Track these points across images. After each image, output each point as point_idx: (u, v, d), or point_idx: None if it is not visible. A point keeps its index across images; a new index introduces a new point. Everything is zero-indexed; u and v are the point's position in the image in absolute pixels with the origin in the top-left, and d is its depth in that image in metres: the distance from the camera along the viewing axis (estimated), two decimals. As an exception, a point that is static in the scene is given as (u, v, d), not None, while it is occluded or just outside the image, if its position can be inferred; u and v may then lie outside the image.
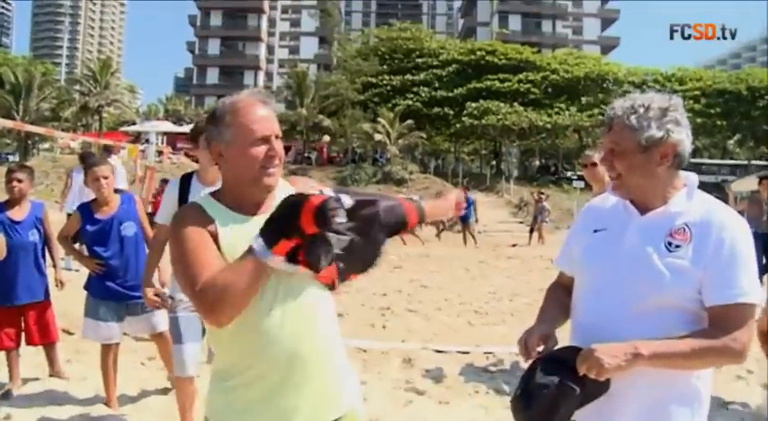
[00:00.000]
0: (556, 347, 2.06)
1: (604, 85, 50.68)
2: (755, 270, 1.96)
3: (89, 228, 4.70)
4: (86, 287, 4.79)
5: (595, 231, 2.16)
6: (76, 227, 4.83)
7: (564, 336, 2.15)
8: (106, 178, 4.67)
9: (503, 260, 15.97)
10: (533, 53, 52.69)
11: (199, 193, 3.79)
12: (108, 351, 4.69)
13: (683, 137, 2.03)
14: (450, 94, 48.71)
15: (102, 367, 4.69)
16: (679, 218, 2.01)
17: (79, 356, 5.81)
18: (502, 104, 46.53)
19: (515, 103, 47.07)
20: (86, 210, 4.76)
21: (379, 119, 43.59)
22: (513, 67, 50.10)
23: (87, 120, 56.82)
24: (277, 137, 1.97)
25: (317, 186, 2.02)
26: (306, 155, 47.59)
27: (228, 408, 1.94)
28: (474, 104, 46.76)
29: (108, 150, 12.29)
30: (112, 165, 5.04)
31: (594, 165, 5.19)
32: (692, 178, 2.09)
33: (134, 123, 53.70)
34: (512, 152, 47.07)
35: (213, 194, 2.03)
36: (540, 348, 2.05)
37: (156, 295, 3.96)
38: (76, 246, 5.47)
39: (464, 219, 20.97)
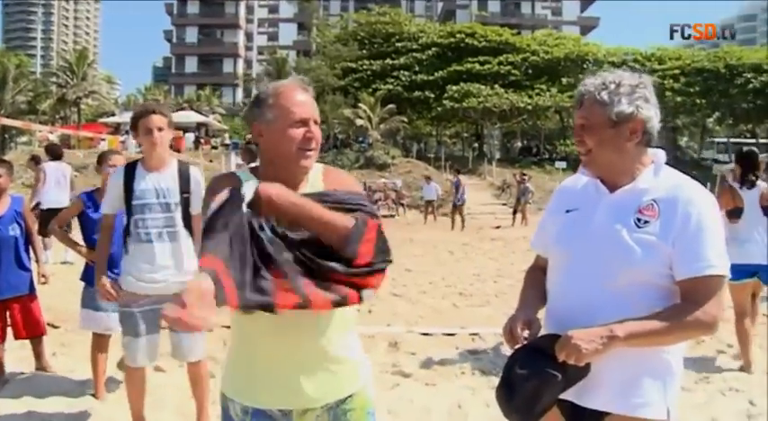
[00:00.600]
0: (538, 334, 2.08)
1: (584, 66, 50.66)
2: (722, 242, 2.00)
3: (93, 215, 4.71)
4: (83, 278, 4.78)
5: (568, 211, 2.19)
6: (75, 214, 4.85)
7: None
8: (113, 166, 4.63)
9: (486, 242, 16.07)
10: (513, 35, 52.63)
11: (144, 180, 3.79)
12: (100, 342, 4.70)
13: (651, 114, 2.06)
14: (431, 78, 48.58)
15: (93, 358, 4.69)
16: (647, 194, 2.04)
17: (65, 349, 5.80)
18: (482, 87, 46.49)
19: (496, 85, 47.05)
20: (91, 198, 4.79)
21: (360, 104, 43.44)
22: (492, 49, 50.03)
23: (65, 112, 56.23)
24: (315, 122, 2.08)
25: (351, 180, 2.16)
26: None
27: (238, 382, 2.07)
28: (455, 87, 46.68)
29: (54, 154, 11.32)
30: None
31: None
32: (660, 154, 2.13)
33: (113, 114, 53.09)
34: (493, 134, 47.18)
35: (252, 170, 2.14)
36: (526, 334, 2.08)
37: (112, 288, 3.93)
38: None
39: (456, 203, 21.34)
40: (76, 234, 5.04)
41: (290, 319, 1.89)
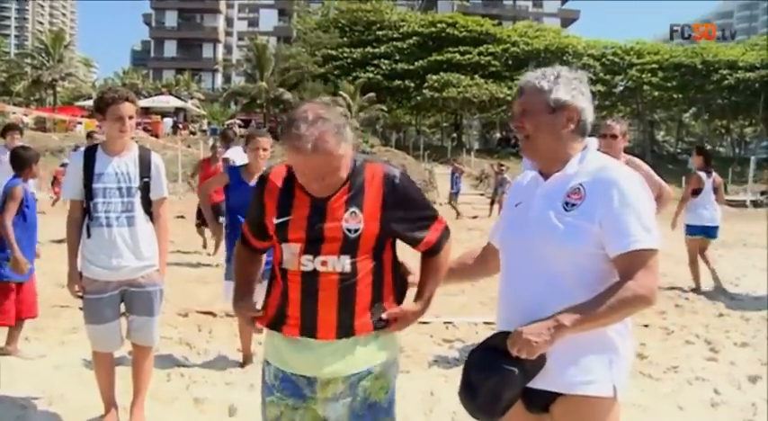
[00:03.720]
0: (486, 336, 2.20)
1: (564, 58, 50.87)
2: (649, 217, 2.08)
3: (242, 191, 4.94)
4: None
5: (516, 205, 2.33)
6: (222, 184, 5.28)
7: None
8: (265, 150, 5.05)
9: (464, 232, 16.11)
10: (494, 26, 52.76)
11: (105, 165, 3.76)
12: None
13: (586, 105, 2.20)
14: (411, 67, 48.56)
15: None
16: (574, 179, 2.16)
17: (37, 334, 5.76)
18: (462, 77, 46.59)
19: (476, 76, 47.19)
20: (237, 174, 5.16)
21: (340, 92, 43.34)
22: (473, 39, 50.10)
23: (41, 94, 55.30)
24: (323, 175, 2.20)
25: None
26: (266, 128, 47.05)
27: (272, 350, 2.39)
28: (435, 77, 46.72)
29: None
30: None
31: (615, 137, 5.16)
32: (591, 142, 2.25)
33: (90, 98, 52.34)
34: (472, 124, 47.30)
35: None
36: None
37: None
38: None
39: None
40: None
41: (309, 301, 2.26)
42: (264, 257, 2.62)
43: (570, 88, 2.17)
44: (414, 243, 2.41)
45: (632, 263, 2.03)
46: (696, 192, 8.52)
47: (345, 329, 2.26)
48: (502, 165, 24.93)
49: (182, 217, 13.49)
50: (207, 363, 5.26)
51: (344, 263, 2.23)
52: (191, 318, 6.57)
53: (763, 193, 33.85)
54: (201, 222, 10.22)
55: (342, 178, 2.21)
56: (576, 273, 2.10)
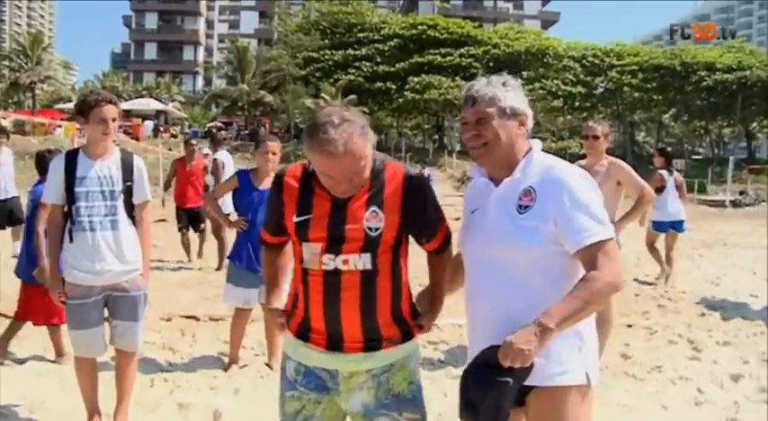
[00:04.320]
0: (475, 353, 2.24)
1: (545, 60, 51.32)
2: (598, 210, 2.19)
3: (251, 195, 5.12)
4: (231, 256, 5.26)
5: (472, 213, 2.41)
6: (231, 188, 5.27)
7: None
8: (275, 154, 5.08)
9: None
10: (475, 28, 52.99)
11: (87, 168, 3.72)
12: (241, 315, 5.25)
13: (530, 111, 2.32)
14: (393, 69, 48.63)
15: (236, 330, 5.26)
16: (524, 182, 2.25)
17: (19, 340, 5.68)
18: (444, 79, 46.72)
19: (457, 78, 47.32)
20: (247, 177, 5.19)
21: (322, 94, 43.31)
22: (454, 41, 50.29)
23: (19, 97, 54.68)
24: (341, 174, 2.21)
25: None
26: (247, 131, 46.86)
27: (293, 344, 2.41)
28: (416, 79, 46.83)
29: None
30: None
31: (597, 138, 5.20)
32: (535, 143, 2.34)
33: (70, 101, 51.81)
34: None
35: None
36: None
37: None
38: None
39: None
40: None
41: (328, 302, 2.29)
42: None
43: (517, 94, 2.29)
44: (425, 240, 2.47)
45: (593, 254, 2.12)
46: (659, 190, 8.96)
47: (371, 340, 2.31)
48: (484, 167, 25.00)
49: (163, 220, 13.38)
50: (191, 368, 5.21)
51: (366, 260, 2.27)
52: (174, 323, 6.51)
53: (741, 193, 34.17)
54: (183, 227, 10.05)
55: (366, 178, 2.25)
56: (540, 272, 2.19)
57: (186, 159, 10.04)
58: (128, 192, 3.81)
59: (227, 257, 5.45)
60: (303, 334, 2.36)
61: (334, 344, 2.30)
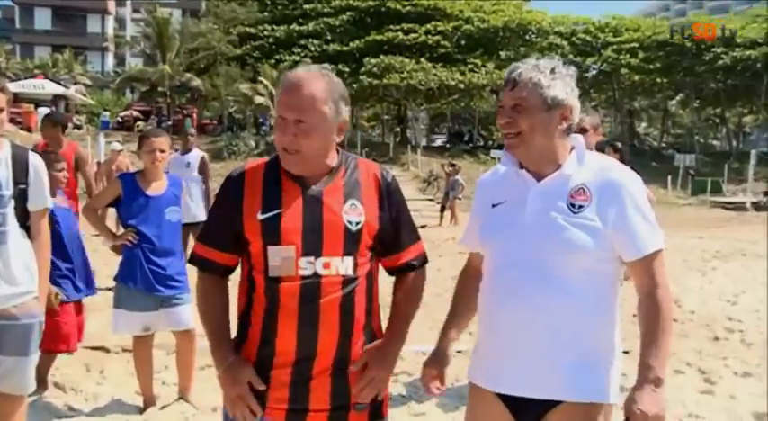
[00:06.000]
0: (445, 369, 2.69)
1: (527, 37, 51.71)
2: (653, 216, 2.44)
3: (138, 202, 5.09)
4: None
5: (494, 206, 2.56)
6: (114, 196, 5.20)
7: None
8: (163, 151, 5.11)
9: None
10: (443, -1, 53.24)
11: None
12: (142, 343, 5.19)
13: (577, 104, 2.48)
14: (345, 49, 48.59)
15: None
16: (575, 179, 2.43)
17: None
18: (406, 60, 46.80)
19: (422, 59, 47.44)
20: (132, 181, 5.14)
21: (261, 78, 43.09)
22: (419, 15, 50.38)
23: None
24: (299, 120, 2.35)
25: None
26: (170, 122, 46.31)
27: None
28: (373, 60, 46.83)
29: None
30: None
31: (584, 131, 5.22)
32: (580, 140, 2.53)
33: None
34: (419, 117, 47.59)
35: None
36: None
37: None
38: None
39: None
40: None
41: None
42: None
43: (565, 84, 2.43)
44: (394, 250, 2.58)
45: (649, 264, 2.38)
46: None
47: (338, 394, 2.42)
48: (453, 165, 25.18)
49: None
50: (98, 411, 5.15)
51: (348, 265, 2.38)
52: (77, 356, 6.36)
53: (766, 194, 34.00)
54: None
55: (324, 162, 2.41)
56: (586, 277, 2.39)
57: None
58: (21, 198, 3.66)
59: (114, 278, 5.34)
60: (262, 372, 2.40)
61: (299, 395, 2.39)
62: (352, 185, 2.43)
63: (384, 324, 2.64)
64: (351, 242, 2.37)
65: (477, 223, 2.64)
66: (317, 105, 2.34)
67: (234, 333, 2.52)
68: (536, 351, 2.39)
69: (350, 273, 2.37)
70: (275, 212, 2.34)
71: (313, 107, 2.34)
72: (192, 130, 10.35)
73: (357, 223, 2.38)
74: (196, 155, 9.96)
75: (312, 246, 2.32)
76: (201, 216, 9.08)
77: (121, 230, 5.36)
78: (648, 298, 2.37)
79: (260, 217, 2.34)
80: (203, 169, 9.87)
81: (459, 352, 5.03)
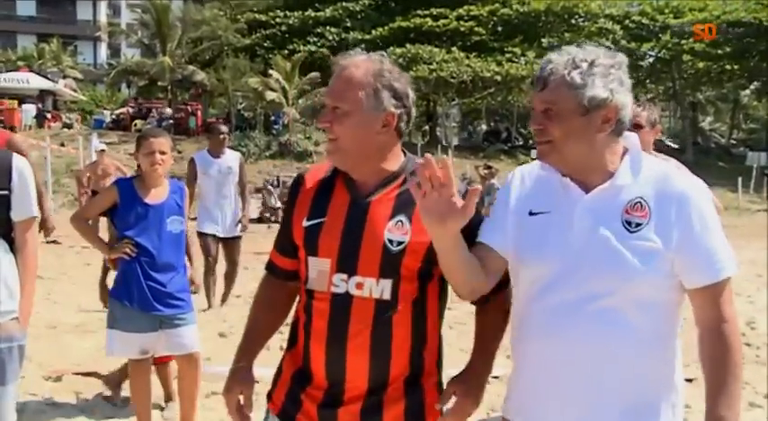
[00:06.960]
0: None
1: (572, 22, 51.45)
2: (723, 236, 2.29)
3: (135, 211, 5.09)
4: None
5: (532, 214, 2.39)
6: (110, 203, 5.20)
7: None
8: (164, 153, 5.08)
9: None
10: (477, -21, 53.22)
11: None
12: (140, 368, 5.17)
13: (627, 100, 2.29)
14: (367, 37, 48.72)
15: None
16: (631, 191, 2.27)
17: None
18: (436, 50, 46.85)
19: (454, 48, 47.47)
20: (129, 188, 5.15)
21: (272, 71, 43.23)
22: (450, -2, 50.46)
23: None
24: (335, 107, 2.43)
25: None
26: (172, 120, 46.51)
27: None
28: (399, 50, 46.85)
29: None
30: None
31: (640, 127, 5.14)
32: (633, 141, 2.37)
33: None
34: (450, 113, 47.52)
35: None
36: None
37: None
38: None
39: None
40: None
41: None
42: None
43: (608, 80, 2.24)
44: None
45: (718, 293, 2.24)
46: None
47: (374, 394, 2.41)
48: (490, 167, 24.96)
49: (54, 242, 13.25)
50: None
51: (384, 288, 2.35)
52: (65, 383, 6.42)
53: None
54: None
55: (379, 165, 2.41)
56: (643, 309, 2.25)
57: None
58: (4, 205, 3.67)
59: (109, 294, 5.38)
60: (295, 389, 2.49)
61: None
62: (407, 198, 2.31)
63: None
64: (388, 264, 2.33)
65: (509, 224, 2.41)
66: (351, 90, 2.36)
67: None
68: (582, 397, 2.28)
69: (386, 297, 2.34)
70: (318, 220, 2.40)
71: (347, 92, 2.37)
72: (224, 128, 10.11)
73: (399, 243, 2.34)
74: (234, 156, 9.92)
75: (346, 263, 2.35)
76: (235, 230, 9.49)
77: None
78: (713, 333, 2.24)
79: (305, 224, 2.42)
80: (241, 172, 9.85)
81: (495, 377, 4.97)
